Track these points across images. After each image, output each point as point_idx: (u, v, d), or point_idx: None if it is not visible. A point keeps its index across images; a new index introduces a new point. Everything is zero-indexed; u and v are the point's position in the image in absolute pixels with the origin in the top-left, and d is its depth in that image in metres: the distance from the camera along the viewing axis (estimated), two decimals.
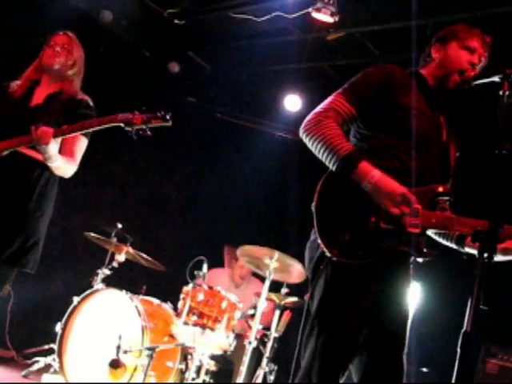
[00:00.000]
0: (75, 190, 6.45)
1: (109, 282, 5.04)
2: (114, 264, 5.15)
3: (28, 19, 5.53)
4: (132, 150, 6.96)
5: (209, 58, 7.01)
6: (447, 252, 2.66)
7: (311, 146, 2.48)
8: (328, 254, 2.35)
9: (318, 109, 2.52)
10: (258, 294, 4.84)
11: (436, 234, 2.63)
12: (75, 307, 4.75)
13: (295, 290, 5.15)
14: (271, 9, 5.52)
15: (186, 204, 7.60)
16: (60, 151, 3.21)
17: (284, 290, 5.00)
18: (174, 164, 7.51)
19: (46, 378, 4.77)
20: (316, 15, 5.21)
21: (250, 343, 4.59)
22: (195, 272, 4.54)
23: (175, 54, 6.89)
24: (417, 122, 2.50)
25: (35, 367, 4.86)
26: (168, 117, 2.99)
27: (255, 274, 5.98)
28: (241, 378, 4.58)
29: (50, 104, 3.33)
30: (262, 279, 5.09)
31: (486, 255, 1.95)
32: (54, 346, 4.77)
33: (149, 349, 4.27)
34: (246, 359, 4.59)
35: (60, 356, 4.63)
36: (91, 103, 3.43)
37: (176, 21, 6.22)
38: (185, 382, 4.51)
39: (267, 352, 4.76)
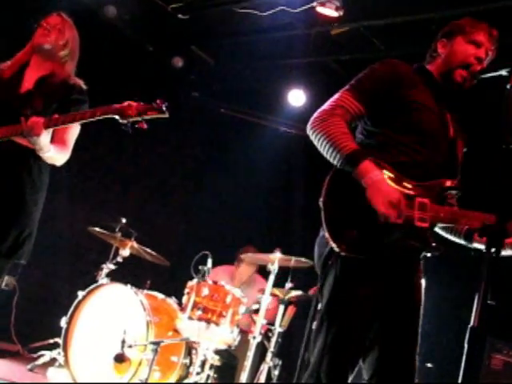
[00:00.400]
0: (79, 185, 6.47)
1: (113, 276, 5.05)
2: (119, 259, 5.15)
3: (31, 15, 5.52)
4: (136, 145, 6.98)
5: (212, 52, 7.00)
6: (453, 247, 2.65)
7: (317, 144, 2.48)
8: (336, 250, 2.35)
9: (325, 106, 2.52)
10: (263, 290, 4.84)
11: (444, 229, 2.63)
12: (80, 302, 4.75)
13: (299, 284, 5.15)
14: (275, 3, 5.50)
15: (189, 199, 7.61)
16: (52, 139, 3.11)
17: (288, 285, 4.99)
18: (177, 159, 7.51)
19: (51, 371, 4.79)
20: (321, 9, 5.21)
21: (254, 338, 4.60)
22: (200, 267, 4.55)
23: (179, 48, 6.88)
24: (424, 118, 2.50)
25: (41, 361, 4.87)
26: (164, 108, 2.82)
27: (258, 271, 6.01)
28: (245, 373, 4.59)
29: (40, 88, 3.20)
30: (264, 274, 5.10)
31: (493, 250, 1.94)
32: (59, 340, 4.78)
33: (154, 343, 4.28)
34: (251, 354, 4.60)
35: (65, 350, 4.64)
36: (84, 87, 3.30)
37: (179, 15, 6.20)
38: (189, 376, 4.52)
39: (271, 347, 4.76)
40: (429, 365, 5.29)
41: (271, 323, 4.97)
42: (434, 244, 2.37)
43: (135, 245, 5.15)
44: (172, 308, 4.84)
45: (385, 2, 5.24)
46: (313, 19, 5.51)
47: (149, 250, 5.18)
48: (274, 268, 4.71)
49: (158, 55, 6.86)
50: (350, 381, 2.38)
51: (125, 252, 5.16)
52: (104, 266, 5.11)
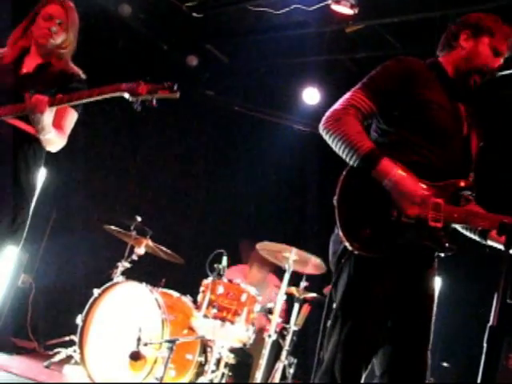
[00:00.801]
0: (95, 183, 6.50)
1: (128, 274, 5.07)
2: (134, 257, 5.17)
3: None
4: (150, 144, 7.01)
5: (227, 51, 7.00)
6: (469, 245, 2.64)
7: (331, 143, 2.47)
8: (350, 248, 2.35)
9: (337, 105, 2.50)
10: (278, 287, 4.84)
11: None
12: (96, 299, 4.78)
13: (314, 283, 5.15)
14: (290, 1, 5.49)
15: (204, 197, 7.62)
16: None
17: (303, 284, 4.99)
18: (192, 157, 7.53)
19: (67, 368, 4.82)
20: (335, 7, 5.19)
21: (269, 336, 4.60)
22: (215, 265, 4.55)
23: (193, 47, 6.90)
24: (436, 117, 2.47)
25: (57, 358, 4.90)
26: (175, 88, 2.73)
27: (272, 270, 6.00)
28: (260, 371, 4.60)
29: (40, 74, 3.14)
30: (280, 273, 5.10)
31: None
32: (75, 338, 4.81)
33: (169, 341, 4.30)
34: (266, 352, 4.60)
35: (81, 347, 4.67)
36: (83, 76, 3.23)
37: (194, 14, 6.21)
38: (204, 374, 4.53)
39: (287, 345, 4.76)
40: (445, 364, 5.27)
41: (286, 321, 4.98)
42: (447, 244, 2.35)
43: (150, 243, 5.17)
44: (187, 306, 4.86)
45: (399, 0, 5.21)
46: (327, 17, 5.49)
47: (164, 248, 5.20)
48: (288, 266, 4.71)
49: (172, 54, 6.88)
50: (363, 378, 2.38)
51: (140, 250, 5.19)
52: (119, 264, 5.14)
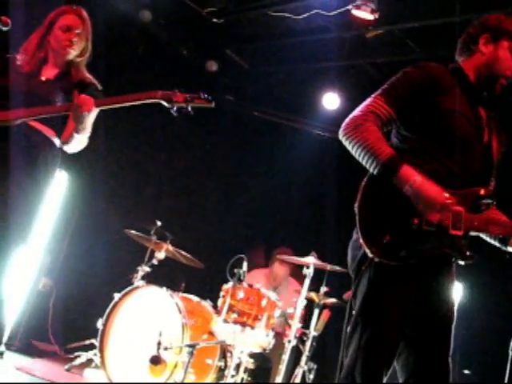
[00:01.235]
0: (115, 188, 6.55)
1: (148, 279, 5.09)
2: (154, 261, 5.19)
3: None
4: (170, 149, 7.04)
5: (247, 56, 7.03)
6: (489, 252, 2.62)
7: (351, 150, 2.46)
8: (370, 255, 2.34)
9: (357, 111, 2.48)
10: (298, 292, 4.83)
11: None
12: (116, 304, 4.80)
13: (334, 288, 5.14)
14: (310, 7, 5.50)
15: (224, 202, 7.64)
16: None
17: (323, 289, 4.98)
18: (211, 162, 7.56)
19: (88, 372, 4.85)
20: (356, 12, 5.18)
21: (289, 342, 4.60)
22: (235, 270, 4.56)
23: (213, 52, 6.93)
24: (458, 125, 2.45)
25: (77, 361, 4.93)
26: (210, 98, 2.88)
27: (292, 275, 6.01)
28: (279, 377, 4.59)
29: (60, 81, 3.23)
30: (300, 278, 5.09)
31: None
32: (95, 342, 4.84)
33: (189, 346, 4.30)
34: (285, 358, 4.59)
35: (101, 351, 4.69)
36: (100, 87, 3.33)
37: (214, 19, 6.24)
38: (224, 379, 4.53)
39: (306, 350, 4.75)
40: (466, 371, 5.23)
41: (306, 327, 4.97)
42: (468, 253, 2.34)
43: (170, 247, 5.19)
44: (207, 311, 4.87)
45: (420, 5, 5.20)
46: (348, 22, 5.50)
47: (184, 253, 5.22)
48: (309, 272, 4.71)
49: (192, 59, 6.92)
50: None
51: (160, 255, 5.20)
52: (139, 268, 5.16)
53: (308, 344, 4.81)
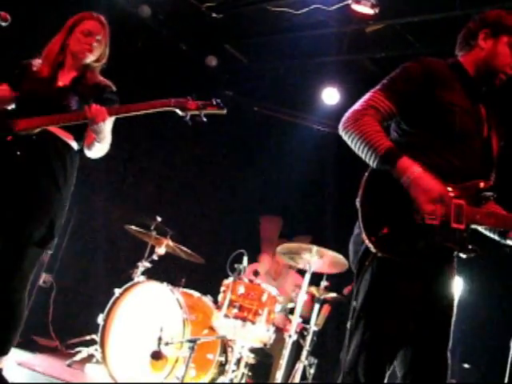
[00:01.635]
0: (115, 184, 6.55)
1: (149, 274, 5.10)
2: (154, 257, 5.20)
3: (66, 16, 5.59)
4: (170, 144, 7.03)
5: (246, 51, 7.01)
6: (489, 245, 2.62)
7: (351, 144, 2.46)
8: (373, 250, 2.34)
9: (357, 106, 2.49)
10: (299, 286, 4.84)
11: None
12: (117, 299, 4.81)
13: (334, 283, 5.15)
14: (310, 1, 5.49)
15: (224, 197, 7.64)
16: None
17: (324, 284, 4.99)
18: (211, 157, 7.56)
19: (89, 367, 4.86)
20: (356, 7, 5.18)
21: (289, 336, 4.60)
22: (235, 265, 4.56)
23: (213, 47, 6.92)
24: (457, 119, 2.45)
25: (78, 357, 4.95)
26: (222, 104, 2.96)
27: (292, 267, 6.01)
28: (280, 372, 4.60)
29: (76, 86, 3.26)
30: (300, 272, 5.09)
31: None
32: (96, 337, 4.85)
33: (190, 341, 4.31)
34: (286, 352, 4.60)
35: (102, 347, 4.70)
36: (114, 88, 3.38)
37: (214, 14, 6.23)
38: (225, 374, 4.54)
39: (307, 345, 4.76)
40: (466, 365, 5.24)
41: (306, 321, 4.97)
42: (470, 246, 2.34)
43: (170, 243, 5.20)
44: (208, 306, 4.88)
45: None
46: (347, 17, 5.49)
47: (184, 248, 5.22)
48: (309, 267, 4.71)
49: (191, 54, 6.91)
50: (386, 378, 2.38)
51: (160, 250, 5.21)
52: (140, 263, 5.17)
53: (308, 339, 4.82)
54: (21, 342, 5.06)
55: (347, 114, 2.48)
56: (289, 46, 6.35)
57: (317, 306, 4.94)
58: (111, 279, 5.66)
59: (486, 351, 5.36)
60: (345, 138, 2.48)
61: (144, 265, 5.15)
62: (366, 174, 2.45)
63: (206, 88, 6.82)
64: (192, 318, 4.58)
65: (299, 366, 4.76)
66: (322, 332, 5.04)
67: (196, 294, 4.97)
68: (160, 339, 4.39)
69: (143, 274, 5.10)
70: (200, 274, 6.12)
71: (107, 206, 6.29)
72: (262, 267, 6.00)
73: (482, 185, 2.40)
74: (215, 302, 4.78)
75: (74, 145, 3.25)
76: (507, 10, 2.69)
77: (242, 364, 4.60)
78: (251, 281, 4.59)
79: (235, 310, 4.43)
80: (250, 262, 4.88)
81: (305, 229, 7.02)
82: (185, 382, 4.28)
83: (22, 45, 4.34)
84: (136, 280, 4.92)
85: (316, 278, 4.98)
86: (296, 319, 4.65)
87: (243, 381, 4.66)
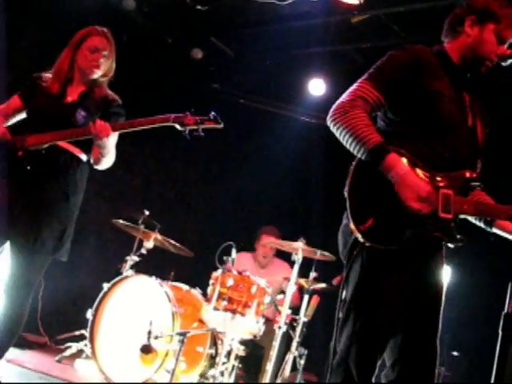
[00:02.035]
0: (103, 178, 6.51)
1: (137, 268, 5.09)
2: (143, 251, 5.19)
3: (53, 8, 5.55)
4: (157, 137, 6.98)
5: (232, 43, 6.96)
6: (474, 233, 2.63)
7: (339, 136, 2.45)
8: (361, 240, 2.35)
9: (345, 97, 2.47)
10: (287, 279, 4.85)
11: None
12: (105, 293, 4.80)
13: (323, 273, 5.16)
14: None
15: (211, 190, 7.63)
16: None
17: (312, 275, 5.00)
18: (198, 150, 7.52)
19: (78, 362, 4.85)
20: None
21: (279, 328, 4.61)
22: (224, 257, 4.56)
23: (198, 40, 6.87)
24: (443, 108, 2.46)
25: (68, 352, 4.94)
26: (219, 119, 3.10)
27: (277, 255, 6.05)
28: (271, 363, 4.61)
29: (84, 101, 3.37)
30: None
31: None
32: (85, 332, 4.84)
33: (180, 334, 4.31)
34: (276, 344, 4.61)
35: (92, 342, 4.70)
36: (120, 102, 3.48)
37: (198, 6, 6.18)
38: (215, 366, 4.54)
39: (297, 336, 4.77)
40: (455, 353, 5.27)
41: (296, 312, 4.99)
42: (458, 236, 2.35)
43: (159, 236, 5.18)
44: (197, 299, 4.88)
45: None
46: (332, 7, 5.45)
47: (172, 242, 5.21)
48: (298, 258, 4.72)
49: (177, 47, 6.86)
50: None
51: (149, 244, 5.20)
52: (128, 258, 5.15)
53: (298, 330, 4.83)
54: None
55: (335, 106, 2.47)
56: (274, 37, 6.32)
57: (306, 297, 4.95)
58: (100, 274, 5.63)
59: (475, 339, 5.40)
60: (333, 130, 2.47)
61: (132, 259, 5.14)
62: (354, 162, 2.45)
63: (192, 81, 6.81)
64: (181, 311, 4.58)
65: (289, 357, 4.77)
66: (311, 323, 5.05)
67: (185, 287, 4.97)
68: (150, 333, 4.38)
69: (132, 268, 5.09)
70: (189, 267, 6.11)
71: (95, 200, 6.25)
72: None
73: (467, 174, 2.41)
74: (204, 294, 4.78)
75: (83, 157, 3.35)
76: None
77: (233, 356, 4.60)
78: (240, 273, 4.59)
79: (224, 303, 4.43)
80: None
81: (293, 221, 7.04)
82: (175, 375, 4.28)
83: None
84: (125, 274, 4.91)
85: (305, 269, 4.99)
86: (285, 310, 4.66)
87: (234, 373, 4.67)
